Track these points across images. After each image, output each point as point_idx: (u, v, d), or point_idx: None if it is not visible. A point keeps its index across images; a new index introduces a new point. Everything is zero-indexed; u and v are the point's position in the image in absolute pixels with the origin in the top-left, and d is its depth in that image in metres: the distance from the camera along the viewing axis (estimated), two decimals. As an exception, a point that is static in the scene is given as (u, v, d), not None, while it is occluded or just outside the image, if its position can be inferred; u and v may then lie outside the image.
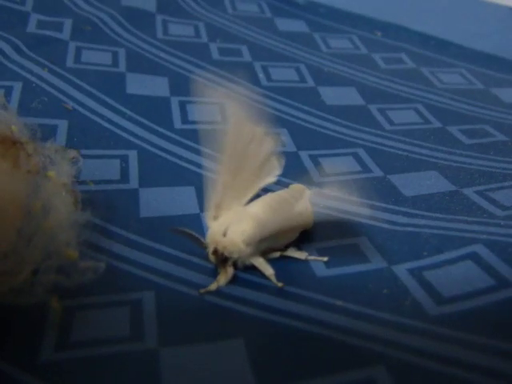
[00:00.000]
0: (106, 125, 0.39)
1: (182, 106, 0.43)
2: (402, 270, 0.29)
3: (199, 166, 0.36)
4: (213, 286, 0.27)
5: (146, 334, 0.24)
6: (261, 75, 0.50)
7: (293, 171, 0.36)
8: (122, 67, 0.47)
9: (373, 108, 0.47)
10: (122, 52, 0.49)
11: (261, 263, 0.27)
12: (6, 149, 0.25)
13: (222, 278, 0.27)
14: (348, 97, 0.49)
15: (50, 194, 0.26)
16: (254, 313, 0.26)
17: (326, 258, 0.29)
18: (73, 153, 0.31)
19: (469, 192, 0.36)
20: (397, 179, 0.37)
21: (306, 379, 0.23)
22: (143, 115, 0.41)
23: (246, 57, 0.53)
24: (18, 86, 0.41)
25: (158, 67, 0.48)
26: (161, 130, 0.39)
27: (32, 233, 0.24)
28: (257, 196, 0.31)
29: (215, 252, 0.27)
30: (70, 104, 0.40)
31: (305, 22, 0.64)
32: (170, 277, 0.27)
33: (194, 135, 0.39)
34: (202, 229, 0.30)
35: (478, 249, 0.30)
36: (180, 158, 0.37)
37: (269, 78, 0.50)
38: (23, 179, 0.25)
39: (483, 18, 0.66)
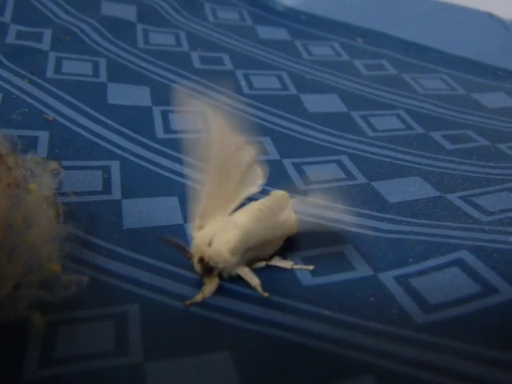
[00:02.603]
0: (88, 135, 0.39)
1: (164, 115, 0.43)
2: (388, 278, 0.29)
3: (182, 175, 0.36)
4: (198, 297, 0.26)
5: (131, 348, 0.24)
6: (243, 83, 0.50)
7: (277, 179, 0.36)
8: (103, 77, 0.47)
9: (355, 115, 0.47)
10: (102, 62, 0.49)
11: (246, 273, 0.27)
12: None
13: (208, 289, 0.27)
14: (330, 104, 0.49)
15: (32, 207, 0.25)
16: (240, 324, 0.25)
17: (311, 267, 0.29)
18: (54, 164, 0.30)
19: (453, 197, 0.36)
20: (381, 186, 0.37)
21: (294, 390, 0.22)
22: (125, 125, 0.40)
23: (228, 65, 0.53)
24: (-3, 98, 0.40)
25: (139, 77, 0.48)
26: (143, 140, 0.39)
27: (13, 247, 0.24)
28: (241, 205, 0.30)
29: (200, 261, 0.27)
30: (51, 115, 0.40)
31: (286, 29, 0.64)
32: (154, 289, 0.27)
33: (176, 145, 0.38)
34: (186, 239, 0.30)
35: (464, 255, 0.30)
36: (163, 167, 0.37)
37: (251, 86, 0.50)
38: (4, 192, 0.25)
39: (463, 23, 0.67)
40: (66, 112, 0.41)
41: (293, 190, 0.34)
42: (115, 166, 0.36)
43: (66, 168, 0.32)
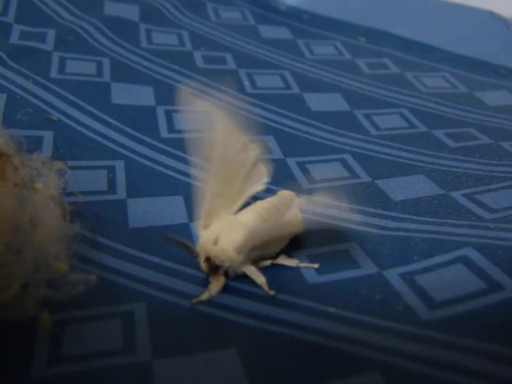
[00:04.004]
0: (92, 135, 0.39)
1: (168, 114, 0.43)
2: (393, 275, 0.29)
3: (187, 175, 0.36)
4: (204, 296, 0.26)
5: (138, 347, 0.24)
6: (246, 82, 0.50)
7: (281, 178, 0.36)
8: (107, 77, 0.47)
9: (358, 113, 0.47)
10: (106, 62, 0.49)
11: (252, 271, 0.27)
12: (-8, 162, 0.25)
13: (214, 287, 0.27)
14: (333, 103, 0.49)
15: (38, 207, 0.25)
16: (247, 322, 0.25)
17: (317, 265, 0.29)
18: (59, 164, 0.31)
19: (456, 195, 0.36)
20: (385, 184, 0.37)
21: (301, 388, 0.23)
22: (129, 125, 0.41)
23: (231, 64, 0.53)
24: (2, 98, 0.40)
25: (142, 76, 0.48)
26: (147, 139, 0.39)
27: (20, 246, 0.24)
28: (246, 204, 0.30)
29: (207, 260, 0.27)
30: (55, 115, 0.40)
31: (288, 28, 0.64)
32: (160, 287, 0.27)
33: (180, 144, 0.39)
34: (191, 238, 0.30)
35: (469, 252, 0.30)
36: (167, 167, 0.37)
37: (254, 86, 0.50)
38: (10, 192, 0.25)
39: (465, 22, 0.67)
40: (70, 112, 0.41)
41: (297, 188, 0.34)
42: (120, 165, 0.36)
43: (71, 168, 0.32)
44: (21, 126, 0.38)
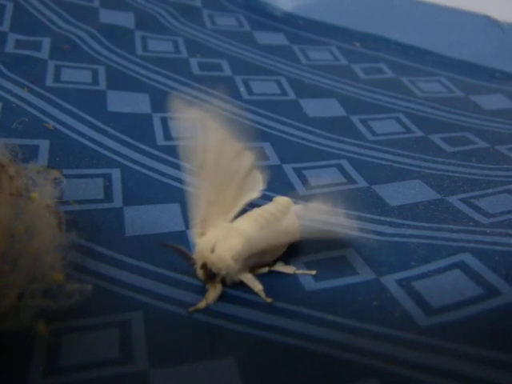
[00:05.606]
0: (88, 143, 0.39)
1: (164, 122, 0.43)
2: (390, 281, 0.29)
3: (183, 182, 0.36)
4: (201, 304, 0.26)
5: (135, 356, 0.24)
6: (242, 89, 0.50)
7: (277, 185, 0.36)
8: (103, 85, 0.47)
9: (355, 119, 0.47)
10: (101, 70, 0.49)
11: (249, 279, 0.27)
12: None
13: (211, 295, 0.27)
14: (329, 108, 0.49)
15: (34, 217, 0.25)
16: (244, 330, 0.25)
17: (314, 272, 0.29)
18: (55, 173, 0.30)
19: (453, 200, 0.36)
20: (381, 189, 0.37)
21: (298, 396, 0.23)
22: (125, 133, 0.40)
23: (227, 71, 0.53)
24: (-3, 107, 0.40)
25: (138, 84, 0.48)
26: (143, 147, 0.39)
27: (16, 256, 0.24)
28: (243, 211, 0.30)
29: (203, 268, 0.27)
30: (51, 123, 0.40)
31: (284, 34, 0.64)
32: (157, 296, 0.27)
33: (176, 151, 0.38)
34: (188, 246, 0.30)
35: (466, 257, 0.30)
36: (163, 174, 0.37)
37: (250, 92, 0.50)
38: (6, 202, 0.25)
39: (460, 26, 0.67)
40: (66, 120, 0.41)
41: (294, 195, 0.34)
42: (116, 173, 0.36)
43: (67, 176, 0.32)
44: (16, 135, 0.38)
